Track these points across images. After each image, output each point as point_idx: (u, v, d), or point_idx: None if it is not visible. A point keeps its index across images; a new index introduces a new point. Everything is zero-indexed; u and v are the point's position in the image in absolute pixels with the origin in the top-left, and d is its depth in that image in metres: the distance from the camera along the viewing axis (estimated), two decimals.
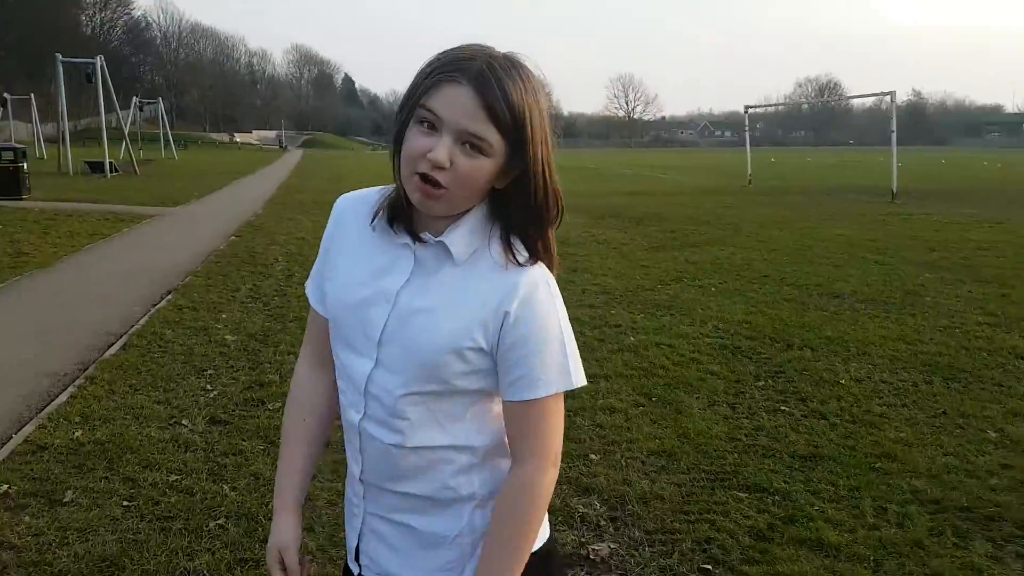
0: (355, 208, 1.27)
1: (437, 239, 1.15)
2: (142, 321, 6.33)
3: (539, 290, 1.14)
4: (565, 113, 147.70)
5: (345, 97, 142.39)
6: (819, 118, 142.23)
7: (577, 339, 1.19)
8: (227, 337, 5.88)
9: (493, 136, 1.07)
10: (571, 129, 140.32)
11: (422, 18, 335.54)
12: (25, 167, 16.16)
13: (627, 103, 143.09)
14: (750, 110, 28.94)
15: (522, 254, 1.15)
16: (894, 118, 20.11)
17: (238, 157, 50.54)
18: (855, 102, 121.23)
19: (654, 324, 6.40)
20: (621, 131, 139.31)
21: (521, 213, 1.14)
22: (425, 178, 1.07)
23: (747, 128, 28.17)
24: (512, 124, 1.07)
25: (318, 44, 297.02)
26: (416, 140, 1.08)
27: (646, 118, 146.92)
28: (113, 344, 5.65)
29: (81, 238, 10.82)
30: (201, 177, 26.26)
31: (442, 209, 1.11)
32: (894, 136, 19.94)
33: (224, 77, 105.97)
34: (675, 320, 6.57)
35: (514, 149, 1.09)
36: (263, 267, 8.91)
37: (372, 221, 1.21)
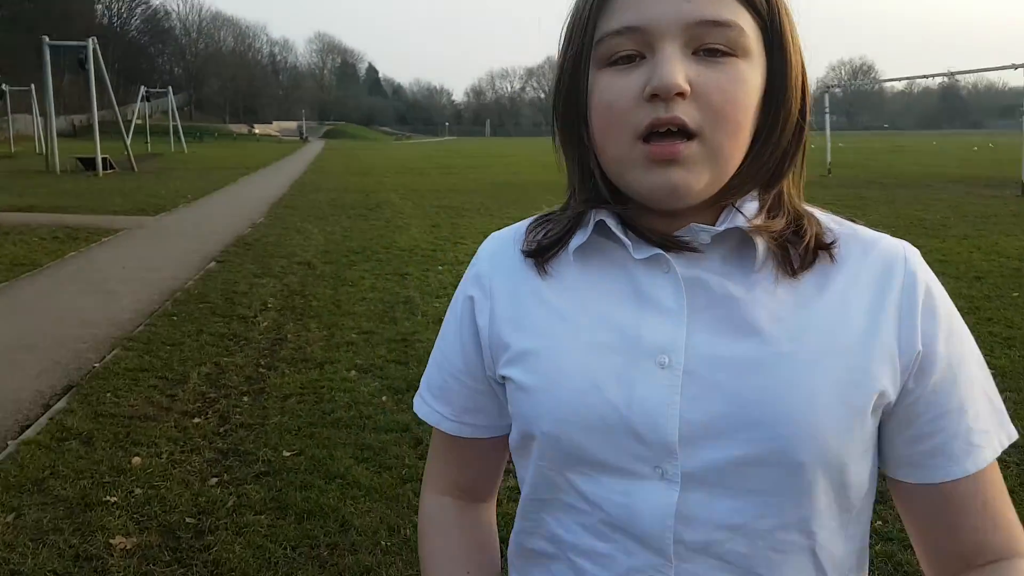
0: (512, 250, 0.79)
1: (721, 227, 0.68)
2: None
3: (927, 272, 0.71)
4: None
5: (369, 86, 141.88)
6: (852, 101, 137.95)
7: None
8: (113, 540, 2.79)
9: (741, 13, 0.64)
10: None
11: (447, 4, 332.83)
12: None
13: None
14: (831, 89, 25.46)
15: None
16: None
17: (254, 149, 47.68)
18: (886, 85, 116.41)
19: None
20: None
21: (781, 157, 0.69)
22: (657, 133, 0.63)
23: (827, 110, 24.67)
24: None
25: (341, 33, 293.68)
26: (614, 88, 0.65)
27: None
28: None
29: None
30: (206, 173, 23.36)
31: (703, 180, 0.65)
32: None
33: (245, 67, 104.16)
34: None
35: (772, 44, 0.66)
36: (241, 321, 5.82)
37: (556, 249, 0.75)
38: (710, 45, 0.63)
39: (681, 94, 0.62)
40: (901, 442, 0.70)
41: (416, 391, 0.88)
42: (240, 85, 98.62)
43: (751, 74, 0.65)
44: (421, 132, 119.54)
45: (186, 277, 7.57)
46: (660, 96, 0.62)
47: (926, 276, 0.71)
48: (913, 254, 0.72)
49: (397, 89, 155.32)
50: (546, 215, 0.81)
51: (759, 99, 0.66)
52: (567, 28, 0.70)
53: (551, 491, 0.76)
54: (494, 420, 0.83)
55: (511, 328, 0.76)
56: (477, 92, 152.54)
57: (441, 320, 0.87)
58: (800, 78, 0.68)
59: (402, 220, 11.90)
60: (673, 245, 0.70)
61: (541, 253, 0.76)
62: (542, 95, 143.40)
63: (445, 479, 0.89)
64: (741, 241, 0.70)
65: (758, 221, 0.69)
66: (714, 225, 0.69)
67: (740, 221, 0.69)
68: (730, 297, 0.69)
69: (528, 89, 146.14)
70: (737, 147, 0.66)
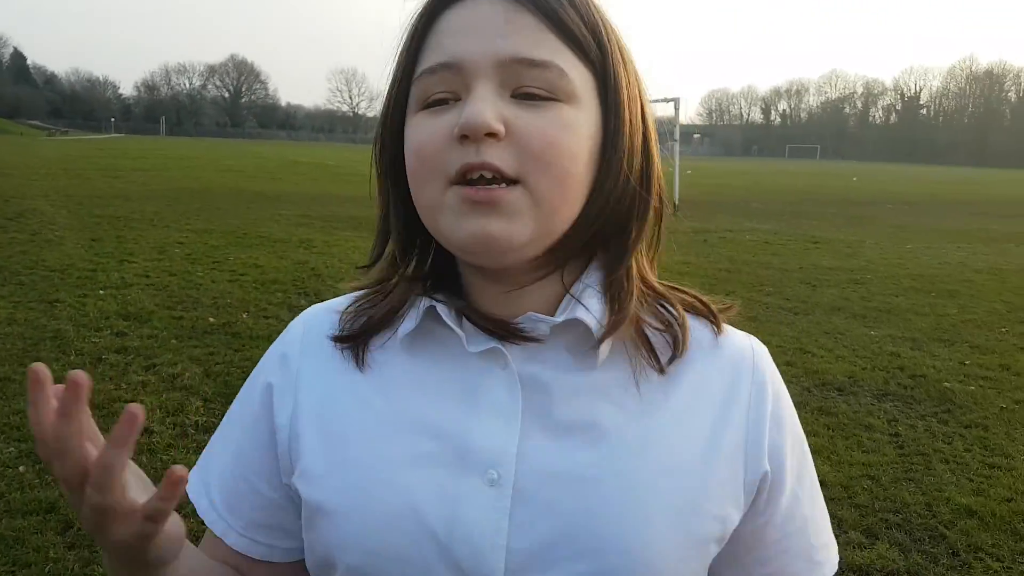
0: (331, 330, 0.68)
1: (560, 317, 0.63)
2: None
3: (775, 373, 0.68)
4: (283, 104, 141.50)
5: (14, 74, 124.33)
6: None
7: None
8: None
9: (564, 56, 0.59)
10: (291, 121, 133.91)
11: None
12: None
13: (351, 98, 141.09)
14: None
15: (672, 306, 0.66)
16: (678, 126, 19.24)
17: None
18: None
19: None
20: (345, 126, 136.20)
21: (622, 225, 0.63)
22: (470, 179, 0.57)
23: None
24: (592, 35, 0.60)
25: None
26: (424, 129, 0.59)
27: (370, 114, 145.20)
28: None
29: None
30: None
31: (526, 233, 0.58)
32: (677, 145, 19.01)
33: None
34: None
35: (606, 91, 0.61)
36: None
37: (376, 335, 0.66)
38: (528, 88, 0.58)
39: (493, 135, 0.56)
40: (745, 565, 0.67)
41: None
42: None
43: (579, 120, 0.59)
44: (81, 128, 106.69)
45: None
46: (470, 137, 0.56)
47: (774, 379, 0.67)
48: (761, 354, 0.68)
49: (50, 78, 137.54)
50: (369, 291, 0.69)
51: (592, 149, 0.61)
52: (393, 66, 0.63)
53: None
54: (296, 541, 0.68)
55: (315, 430, 0.65)
56: (150, 86, 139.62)
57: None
58: (640, 130, 0.62)
59: (53, 233, 10.18)
60: (511, 335, 0.62)
61: (358, 339, 0.65)
62: (226, 94, 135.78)
63: None
64: (585, 332, 0.62)
65: (598, 310, 0.62)
66: (554, 314, 0.63)
67: (581, 310, 0.62)
68: (570, 399, 0.62)
69: (211, 87, 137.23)
70: (566, 198, 0.59)
